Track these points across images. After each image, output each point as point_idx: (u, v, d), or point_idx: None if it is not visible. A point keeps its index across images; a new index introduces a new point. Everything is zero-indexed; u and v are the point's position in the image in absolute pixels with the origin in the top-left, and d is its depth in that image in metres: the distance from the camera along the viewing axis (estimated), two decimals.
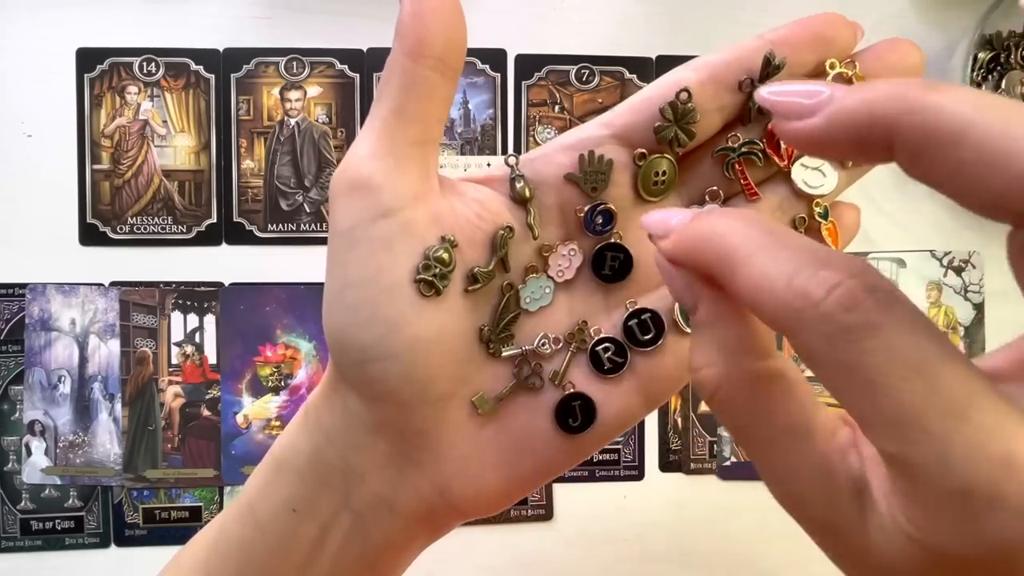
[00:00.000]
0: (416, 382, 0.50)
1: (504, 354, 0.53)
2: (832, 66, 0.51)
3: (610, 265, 0.54)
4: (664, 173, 0.52)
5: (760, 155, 0.52)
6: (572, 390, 0.54)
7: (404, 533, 0.56)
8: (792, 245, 0.35)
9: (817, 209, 0.53)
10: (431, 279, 0.48)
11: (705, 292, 0.40)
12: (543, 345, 0.54)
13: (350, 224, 0.48)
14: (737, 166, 0.52)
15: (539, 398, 0.54)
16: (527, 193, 0.52)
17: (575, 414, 0.53)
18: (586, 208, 0.53)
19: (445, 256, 0.49)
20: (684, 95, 0.50)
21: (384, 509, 0.54)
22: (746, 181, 0.53)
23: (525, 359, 0.54)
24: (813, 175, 0.53)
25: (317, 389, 0.55)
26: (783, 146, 0.52)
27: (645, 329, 0.53)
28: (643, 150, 0.52)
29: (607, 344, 0.54)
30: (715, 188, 0.53)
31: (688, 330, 0.54)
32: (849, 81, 0.51)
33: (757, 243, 0.36)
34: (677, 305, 0.54)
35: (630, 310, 0.54)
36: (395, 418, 0.52)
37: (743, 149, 0.52)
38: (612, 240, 0.54)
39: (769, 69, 0.50)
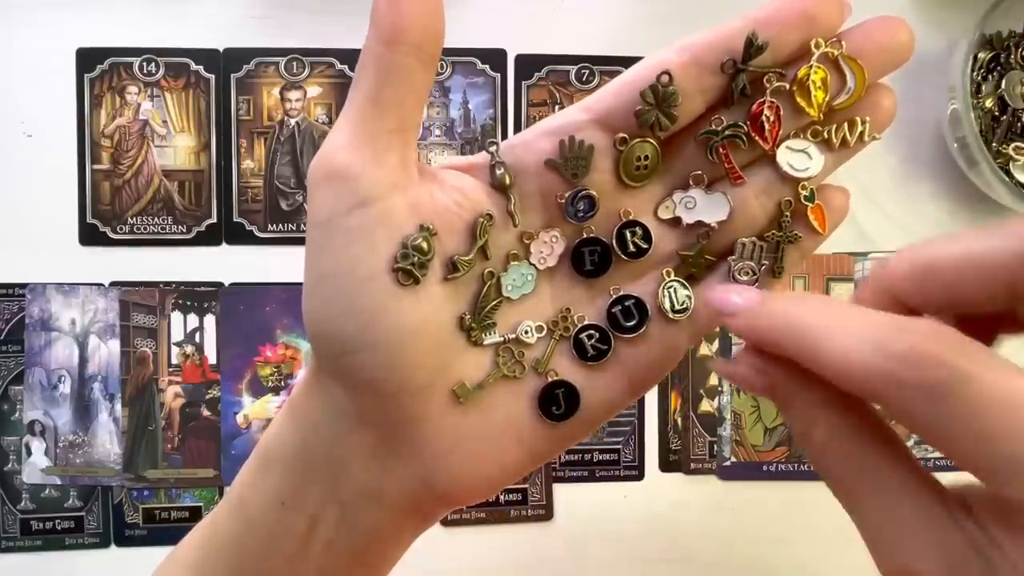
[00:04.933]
0: (397, 372, 0.50)
1: (486, 342, 0.53)
2: (817, 46, 0.50)
3: (590, 260, 0.54)
4: (646, 158, 0.52)
5: (744, 138, 0.52)
6: (555, 378, 0.54)
7: (392, 523, 0.56)
8: (868, 316, 0.39)
9: (803, 192, 0.53)
10: (409, 268, 0.48)
11: (780, 371, 0.43)
12: (526, 333, 0.54)
13: (327, 214, 0.48)
14: (721, 149, 0.52)
15: (522, 386, 0.54)
16: (507, 180, 0.52)
17: (558, 402, 0.53)
18: (567, 194, 0.52)
19: (424, 245, 0.49)
20: (665, 78, 0.50)
21: (371, 500, 0.54)
22: (730, 165, 0.52)
23: (507, 347, 0.54)
24: (799, 158, 0.53)
25: (300, 382, 0.55)
26: (767, 128, 0.52)
27: (628, 315, 0.54)
28: (624, 135, 0.51)
29: (591, 331, 0.54)
30: (699, 172, 0.53)
31: (673, 317, 0.54)
32: (835, 61, 0.51)
33: (834, 319, 0.39)
34: (662, 290, 0.54)
35: (613, 296, 0.54)
36: (377, 408, 0.52)
37: (727, 132, 0.52)
38: (586, 235, 0.54)
39: (752, 50, 0.49)
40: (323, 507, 0.54)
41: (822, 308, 0.41)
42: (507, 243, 0.53)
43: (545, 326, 0.54)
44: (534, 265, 0.54)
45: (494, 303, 0.53)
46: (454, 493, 0.55)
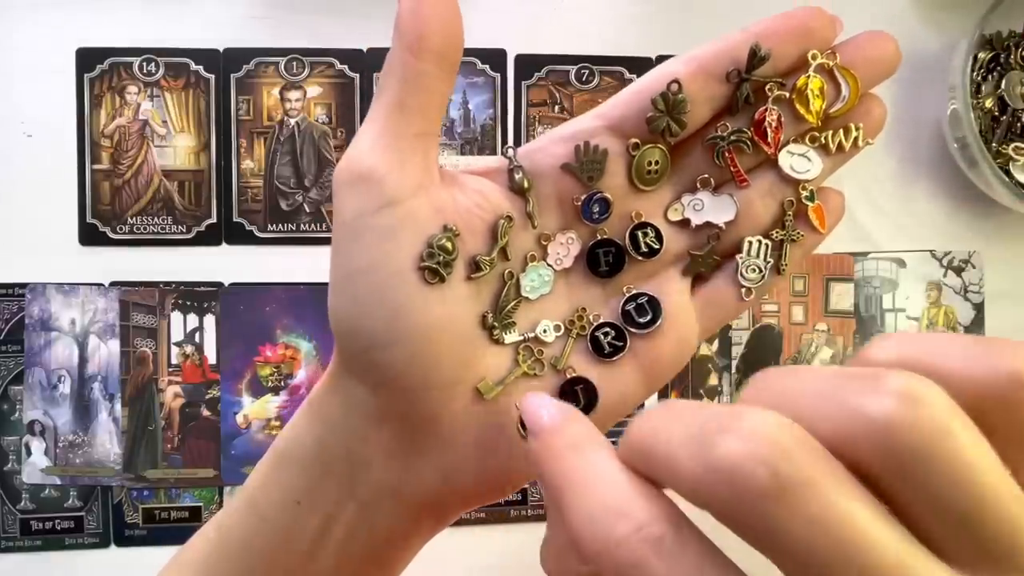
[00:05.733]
0: (421, 368, 0.51)
1: (506, 341, 0.54)
2: (814, 57, 0.53)
3: (605, 260, 0.55)
4: (657, 162, 0.54)
5: (748, 143, 0.54)
6: (573, 375, 0.55)
7: (409, 522, 0.56)
8: (603, 486, 0.34)
9: (804, 192, 0.56)
10: (435, 266, 0.50)
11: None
12: (544, 332, 0.55)
13: (354, 214, 0.50)
14: (727, 154, 0.55)
15: (541, 383, 0.55)
16: (526, 183, 0.53)
17: (577, 398, 0.55)
18: (583, 197, 0.54)
19: (448, 244, 0.50)
20: (675, 86, 0.52)
21: (389, 498, 0.55)
22: (735, 168, 0.55)
23: (527, 345, 0.55)
24: (799, 161, 0.55)
25: (321, 381, 0.56)
26: (770, 134, 0.54)
27: (642, 312, 0.55)
28: (636, 140, 0.53)
29: (607, 329, 0.56)
30: (706, 176, 0.56)
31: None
32: (830, 71, 0.54)
33: (580, 476, 0.35)
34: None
35: (627, 295, 0.55)
36: (400, 405, 0.53)
37: (732, 137, 0.54)
38: (600, 236, 0.55)
39: (755, 60, 0.52)
40: (340, 506, 0.55)
41: (579, 460, 0.36)
42: (525, 244, 0.55)
43: (562, 325, 0.56)
44: (551, 266, 0.55)
45: (514, 303, 0.54)
46: (475, 490, 0.56)
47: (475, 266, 0.52)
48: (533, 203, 0.54)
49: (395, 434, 0.53)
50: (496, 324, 0.54)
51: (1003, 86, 0.99)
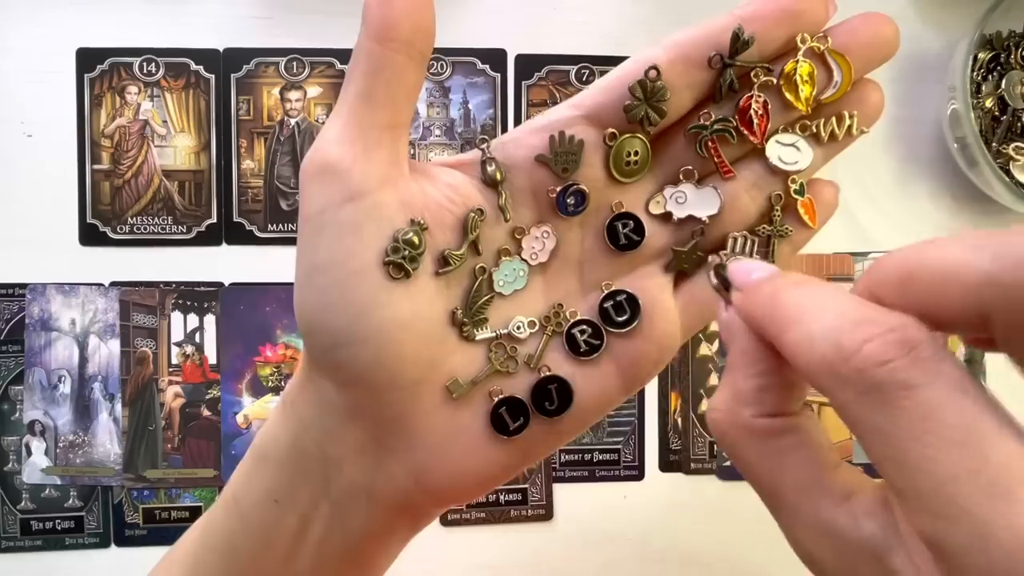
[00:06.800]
0: (387, 366, 0.50)
1: (478, 338, 0.53)
2: (803, 40, 0.51)
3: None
4: (636, 153, 0.52)
5: (733, 132, 0.52)
6: (548, 373, 0.54)
7: (383, 523, 0.55)
8: (839, 304, 0.34)
9: (793, 186, 0.53)
10: (400, 261, 0.48)
11: (739, 334, 0.39)
12: (518, 328, 0.54)
13: (319, 208, 0.48)
14: (710, 144, 0.52)
15: (515, 382, 0.54)
16: (498, 176, 0.52)
17: (551, 397, 0.53)
18: (558, 189, 0.52)
19: (414, 239, 0.49)
20: (653, 73, 0.50)
21: (362, 498, 0.54)
22: (720, 159, 0.53)
23: (500, 343, 0.53)
24: (788, 151, 0.53)
25: (293, 378, 0.55)
26: (756, 123, 0.52)
27: (620, 310, 0.53)
28: (614, 130, 0.52)
29: (583, 326, 0.54)
30: (689, 167, 0.53)
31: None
32: (821, 56, 0.51)
33: (808, 303, 0.35)
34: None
35: (605, 292, 0.54)
36: (368, 403, 0.52)
37: (715, 127, 0.52)
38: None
39: (738, 45, 0.50)
40: (314, 505, 0.54)
41: (805, 291, 0.36)
42: (498, 239, 0.53)
43: (537, 321, 0.54)
44: (526, 261, 0.53)
45: (486, 298, 0.53)
46: (446, 491, 0.54)
47: (443, 261, 0.50)
48: (505, 196, 0.52)
49: (364, 433, 0.52)
50: (466, 321, 0.53)
51: (1003, 86, 0.99)
